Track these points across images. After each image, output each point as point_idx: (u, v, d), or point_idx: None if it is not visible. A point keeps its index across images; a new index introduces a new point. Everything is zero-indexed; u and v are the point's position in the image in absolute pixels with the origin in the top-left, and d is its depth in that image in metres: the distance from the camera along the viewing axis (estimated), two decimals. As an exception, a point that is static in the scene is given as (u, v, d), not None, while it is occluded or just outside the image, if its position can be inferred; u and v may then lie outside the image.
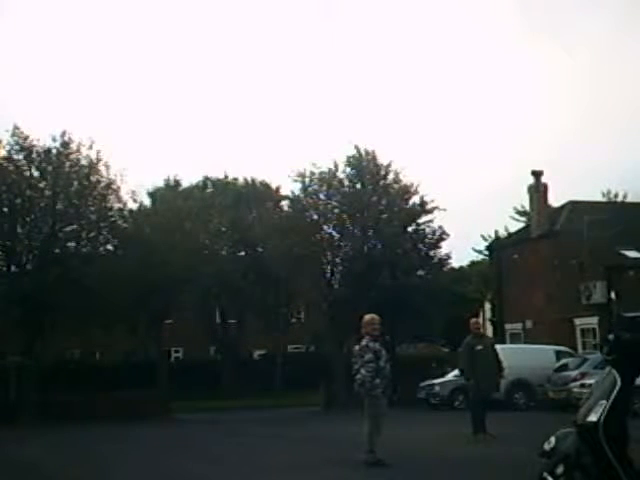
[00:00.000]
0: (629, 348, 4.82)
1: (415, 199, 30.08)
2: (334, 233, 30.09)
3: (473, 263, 48.57)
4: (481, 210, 68.54)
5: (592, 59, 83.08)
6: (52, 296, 24.78)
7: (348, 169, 29.85)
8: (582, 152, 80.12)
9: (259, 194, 38.13)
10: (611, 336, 4.92)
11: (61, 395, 24.53)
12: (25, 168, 26.36)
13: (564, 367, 21.98)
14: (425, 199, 30.01)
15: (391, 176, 29.83)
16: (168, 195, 35.32)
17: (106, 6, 79.61)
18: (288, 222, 29.93)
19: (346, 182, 29.83)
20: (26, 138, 26.24)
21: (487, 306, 43.83)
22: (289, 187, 34.70)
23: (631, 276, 29.04)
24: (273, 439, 16.55)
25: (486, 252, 41.48)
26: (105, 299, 24.94)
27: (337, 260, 30.18)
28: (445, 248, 31.31)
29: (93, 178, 26.81)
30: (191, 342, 41.40)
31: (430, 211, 30.11)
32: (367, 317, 11.06)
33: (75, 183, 26.62)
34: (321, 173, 29.79)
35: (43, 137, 26.72)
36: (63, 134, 26.60)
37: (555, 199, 34.89)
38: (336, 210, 29.66)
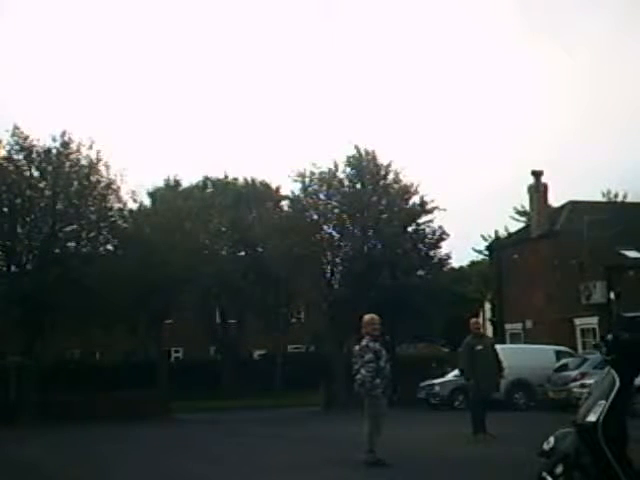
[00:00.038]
0: (628, 348, 4.82)
1: (415, 199, 30.12)
2: (334, 233, 30.10)
3: (473, 263, 48.58)
4: (481, 210, 68.63)
5: (592, 59, 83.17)
6: (52, 296, 24.78)
7: (348, 169, 29.86)
8: (582, 152, 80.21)
9: (259, 194, 38.13)
10: (610, 336, 4.92)
11: (61, 395, 24.54)
12: (25, 168, 26.37)
13: (564, 367, 21.97)
14: (425, 199, 30.05)
15: (391, 176, 29.84)
16: (168, 195, 35.32)
17: (106, 6, 79.67)
18: (288, 222, 29.93)
19: (346, 182, 29.83)
20: (26, 138, 26.25)
21: (487, 306, 43.83)
22: (289, 187, 34.76)
23: (631, 276, 29.03)
24: (273, 439, 16.55)
25: (486, 252, 41.48)
26: (105, 299, 24.94)
27: (337, 260, 30.18)
28: (445, 248, 31.38)
29: (93, 178, 26.81)
30: (191, 342, 41.40)
31: (430, 211, 30.13)
32: (367, 317, 11.06)
33: (75, 183, 26.63)
34: (321, 173, 29.80)
35: (43, 137, 26.79)
36: (63, 134, 26.65)
37: (555, 199, 34.95)
38: (336, 210, 29.66)
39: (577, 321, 30.01)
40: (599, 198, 41.72)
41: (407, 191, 29.99)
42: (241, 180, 39.83)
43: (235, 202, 36.33)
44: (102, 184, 26.93)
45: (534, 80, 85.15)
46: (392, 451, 10.73)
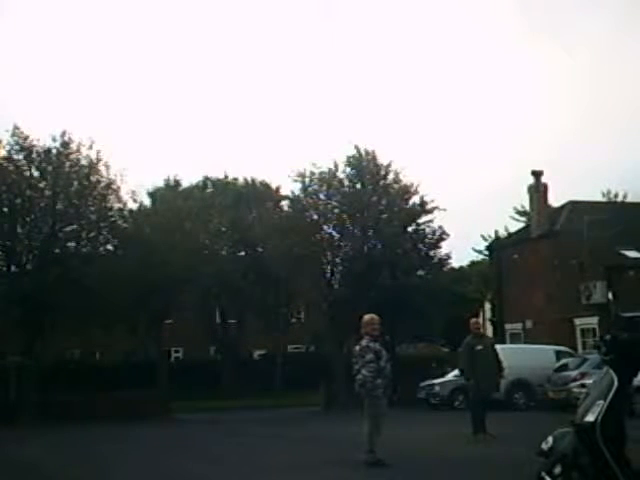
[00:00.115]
0: (626, 348, 4.82)
1: (415, 199, 30.14)
2: (334, 233, 30.11)
3: (473, 263, 48.59)
4: (481, 210, 68.66)
5: (592, 59, 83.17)
6: (52, 296, 24.78)
7: (348, 169, 29.87)
8: (582, 152, 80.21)
9: (259, 194, 38.13)
10: (608, 336, 4.92)
11: (61, 395, 24.55)
12: (25, 168, 26.37)
13: (564, 367, 21.97)
14: (425, 199, 30.08)
15: (391, 176, 29.85)
16: (168, 195, 35.32)
17: (106, 6, 79.68)
18: (288, 222, 29.93)
19: (346, 182, 29.84)
20: (26, 138, 26.26)
21: (487, 306, 43.84)
22: (289, 187, 34.79)
23: (631, 276, 29.04)
24: (273, 439, 16.55)
25: (486, 252, 41.50)
26: (105, 299, 24.95)
27: (337, 260, 30.19)
28: (445, 248, 31.41)
29: (93, 178, 26.82)
30: (191, 342, 41.41)
31: (430, 211, 30.15)
32: (367, 317, 11.05)
33: (75, 183, 26.64)
34: (321, 173, 29.80)
35: (43, 137, 26.81)
36: (63, 134, 26.66)
37: (555, 199, 34.98)
38: (336, 210, 29.67)
39: (577, 321, 30.01)
40: (599, 198, 41.80)
41: (407, 191, 30.00)
42: (241, 180, 39.86)
43: (235, 202, 36.33)
44: (102, 184, 26.94)
45: (534, 80, 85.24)
46: (392, 451, 10.73)
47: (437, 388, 25.17)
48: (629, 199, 41.65)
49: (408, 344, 40.13)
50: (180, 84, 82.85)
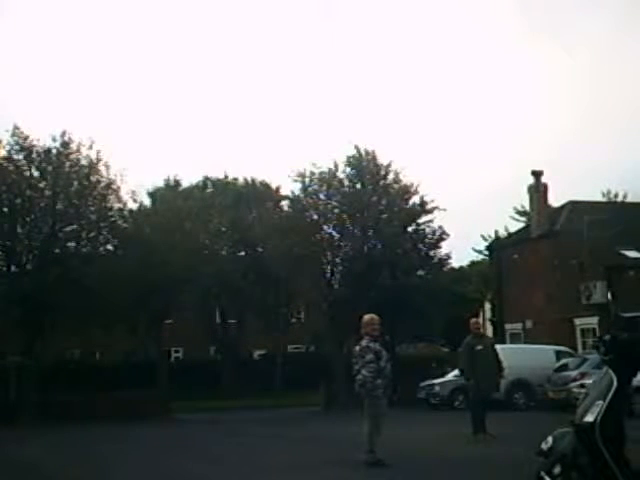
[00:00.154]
0: (626, 348, 4.82)
1: (415, 199, 30.15)
2: (334, 233, 30.11)
3: (473, 263, 48.60)
4: (481, 210, 68.69)
5: (592, 59, 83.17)
6: (52, 296, 24.78)
7: (348, 169, 29.87)
8: (582, 152, 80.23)
9: (259, 194, 38.13)
10: (607, 336, 4.92)
11: (61, 395, 24.55)
12: (25, 168, 26.37)
13: (564, 367, 21.96)
14: (425, 199, 30.08)
15: (391, 176, 29.85)
16: (168, 195, 35.32)
17: (106, 6, 79.68)
18: (288, 222, 29.94)
19: (346, 182, 29.84)
20: (26, 138, 26.26)
21: (487, 306, 43.84)
22: (289, 187, 34.81)
23: (631, 276, 29.04)
24: (273, 439, 16.55)
25: (486, 252, 41.51)
26: (105, 299, 24.95)
27: (337, 260, 30.19)
28: (445, 248, 31.42)
29: (93, 178, 26.82)
30: (191, 342, 41.41)
31: (430, 211, 30.15)
32: (367, 317, 11.04)
33: (75, 183, 26.64)
34: (321, 173, 29.81)
35: (43, 137, 26.81)
36: (63, 134, 26.66)
37: (555, 199, 34.99)
38: (336, 210, 29.67)
39: (577, 321, 30.01)
40: (599, 198, 41.81)
41: (407, 191, 30.00)
42: (241, 180, 39.86)
43: (235, 202, 36.34)
44: (102, 184, 26.94)
45: (534, 80, 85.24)
46: (392, 451, 10.73)
47: (437, 388, 25.17)
48: (629, 199, 41.68)
49: (408, 344, 40.13)
50: (180, 84, 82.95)
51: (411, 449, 12.49)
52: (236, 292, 35.11)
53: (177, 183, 38.23)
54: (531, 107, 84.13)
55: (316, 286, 30.26)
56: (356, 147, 29.80)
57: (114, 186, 27.20)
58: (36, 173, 26.48)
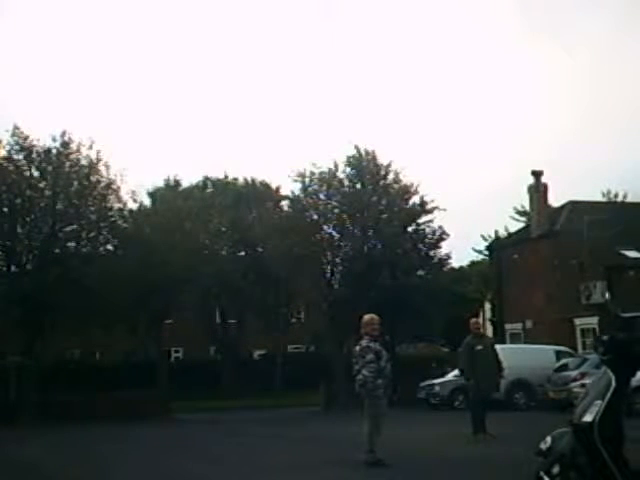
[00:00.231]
0: (624, 348, 4.82)
1: (415, 199, 30.17)
2: (334, 233, 30.12)
3: (473, 263, 48.61)
4: (481, 210, 68.71)
5: (592, 59, 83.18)
6: (52, 296, 24.79)
7: (348, 169, 29.89)
8: (582, 152, 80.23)
9: (259, 194, 38.14)
10: (606, 336, 4.92)
11: (61, 395, 24.57)
12: (25, 168, 26.38)
13: (564, 367, 21.96)
14: (425, 199, 30.10)
15: (391, 176, 29.86)
16: (168, 195, 35.33)
17: (106, 6, 79.69)
18: (288, 222, 29.95)
19: (346, 182, 29.85)
20: (26, 138, 26.27)
21: (487, 306, 43.85)
22: (289, 187, 34.81)
23: (631, 276, 29.05)
24: (273, 439, 16.55)
25: (486, 252, 41.53)
26: (105, 299, 24.96)
27: (337, 260, 30.20)
28: (445, 248, 31.45)
29: (93, 178, 26.83)
30: (191, 342, 41.41)
31: (430, 211, 30.16)
32: (366, 317, 11.04)
33: (75, 183, 26.65)
34: (321, 173, 29.82)
35: (43, 137, 26.83)
36: (63, 134, 26.68)
37: (555, 199, 35.01)
38: (336, 210, 29.68)
39: (577, 321, 30.02)
40: (599, 198, 41.83)
41: (407, 191, 30.01)
42: (241, 180, 39.87)
43: (235, 202, 36.34)
44: (102, 184, 26.95)
45: (534, 80, 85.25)
46: (392, 451, 10.73)
47: (437, 388, 25.17)
48: (629, 199, 41.70)
49: (408, 344, 40.14)
50: (180, 84, 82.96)
51: (411, 449, 12.48)
52: (236, 292, 35.11)
53: (177, 183, 38.24)
54: (531, 107, 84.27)
55: (316, 286, 30.27)
56: (356, 147, 29.86)
57: (114, 186, 27.23)
58: (36, 173, 26.49)
